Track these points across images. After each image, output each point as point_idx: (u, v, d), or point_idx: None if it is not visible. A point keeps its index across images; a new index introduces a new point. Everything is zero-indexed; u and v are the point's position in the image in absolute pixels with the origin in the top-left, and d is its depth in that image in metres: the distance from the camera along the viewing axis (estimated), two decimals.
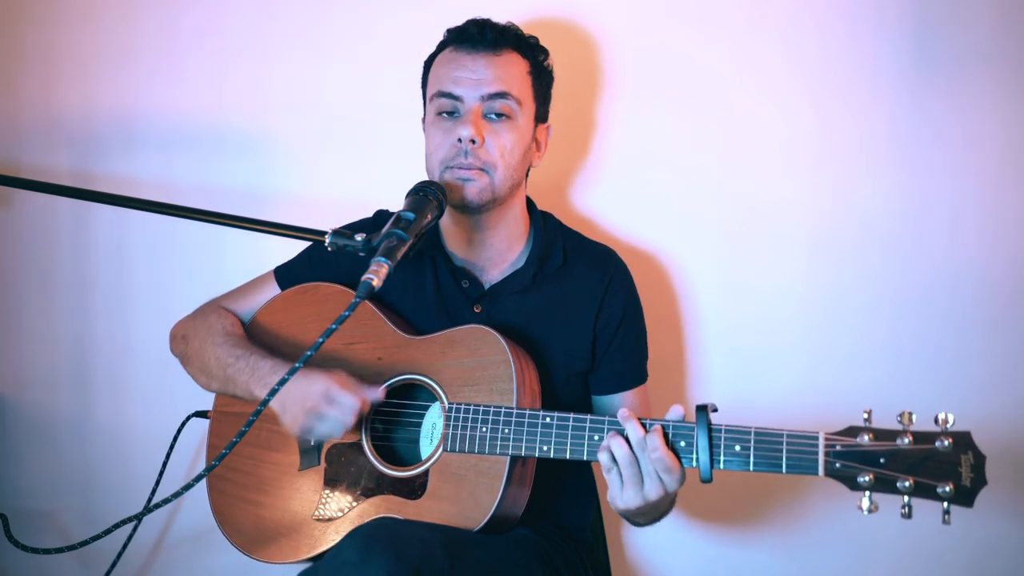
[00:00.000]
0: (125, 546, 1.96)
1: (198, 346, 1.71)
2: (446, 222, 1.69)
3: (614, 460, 1.38)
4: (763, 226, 1.98)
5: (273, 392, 1.38)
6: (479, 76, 1.59)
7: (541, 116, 1.70)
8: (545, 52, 1.71)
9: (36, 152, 2.18)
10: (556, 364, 1.66)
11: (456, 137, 1.58)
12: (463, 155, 1.58)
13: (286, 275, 1.79)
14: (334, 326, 1.35)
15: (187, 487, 1.43)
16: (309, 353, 1.36)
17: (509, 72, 1.61)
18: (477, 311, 1.67)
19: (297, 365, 1.36)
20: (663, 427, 1.37)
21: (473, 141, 1.57)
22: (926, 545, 1.93)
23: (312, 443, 1.63)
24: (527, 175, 1.74)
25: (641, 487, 1.37)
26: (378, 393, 1.56)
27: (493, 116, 1.60)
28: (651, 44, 2.00)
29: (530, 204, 1.76)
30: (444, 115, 1.62)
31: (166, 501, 1.47)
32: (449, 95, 1.60)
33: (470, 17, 1.67)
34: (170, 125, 2.14)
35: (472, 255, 1.70)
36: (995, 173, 1.92)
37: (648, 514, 1.50)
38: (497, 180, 1.59)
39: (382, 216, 1.79)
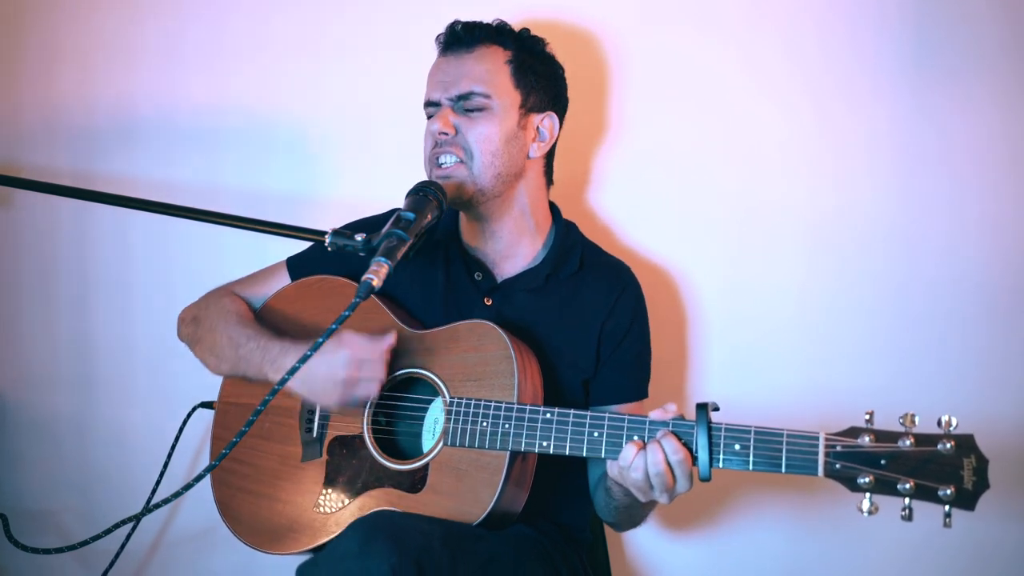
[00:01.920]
0: (124, 545, 1.96)
1: (209, 327, 1.71)
2: (461, 213, 1.73)
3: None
4: (764, 225, 1.98)
5: (280, 385, 1.39)
6: (449, 78, 1.64)
7: (534, 106, 1.68)
8: (536, 40, 1.71)
9: (36, 152, 2.18)
10: (560, 368, 1.66)
11: (431, 135, 1.63)
12: (439, 146, 1.62)
13: (298, 266, 1.80)
14: (334, 326, 1.37)
15: (190, 484, 1.43)
16: (309, 353, 1.37)
17: (478, 68, 1.63)
18: (487, 304, 1.68)
19: (297, 366, 1.38)
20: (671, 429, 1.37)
21: (444, 134, 1.61)
22: (927, 547, 1.92)
23: (315, 434, 1.63)
24: (548, 173, 1.75)
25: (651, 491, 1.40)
26: (392, 337, 1.56)
27: (467, 111, 1.63)
28: (651, 44, 2.00)
29: (555, 210, 1.77)
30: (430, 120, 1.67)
31: (166, 501, 1.47)
32: (429, 103, 1.67)
33: (470, 19, 1.68)
34: (170, 125, 2.15)
35: (484, 246, 1.71)
36: (997, 171, 1.91)
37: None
38: (476, 168, 1.61)
39: None
